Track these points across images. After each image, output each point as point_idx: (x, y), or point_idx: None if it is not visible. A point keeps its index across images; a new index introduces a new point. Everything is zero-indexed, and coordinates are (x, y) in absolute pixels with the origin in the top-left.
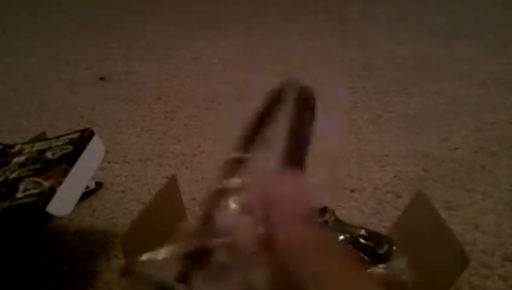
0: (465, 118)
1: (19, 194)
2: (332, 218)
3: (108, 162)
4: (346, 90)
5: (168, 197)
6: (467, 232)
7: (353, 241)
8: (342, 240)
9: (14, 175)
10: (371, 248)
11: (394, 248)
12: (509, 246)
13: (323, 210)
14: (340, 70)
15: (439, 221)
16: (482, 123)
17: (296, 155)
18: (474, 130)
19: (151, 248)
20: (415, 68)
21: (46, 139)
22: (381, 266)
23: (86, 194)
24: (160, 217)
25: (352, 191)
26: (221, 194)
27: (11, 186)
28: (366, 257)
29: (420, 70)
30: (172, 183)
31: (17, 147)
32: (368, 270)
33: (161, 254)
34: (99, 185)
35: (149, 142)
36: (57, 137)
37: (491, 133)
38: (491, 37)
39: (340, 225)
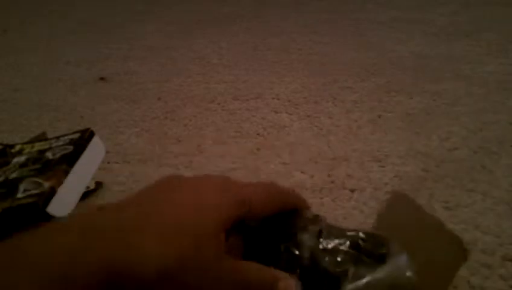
0: (465, 118)
1: (19, 195)
2: (324, 225)
3: (108, 162)
4: (346, 90)
5: None
6: (467, 232)
7: (354, 246)
8: (342, 245)
9: (14, 175)
10: (373, 249)
11: (391, 245)
12: (509, 246)
13: (315, 218)
14: (339, 70)
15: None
16: (482, 123)
17: None
18: (474, 130)
19: None
20: (415, 68)
21: (46, 139)
22: (384, 267)
23: (86, 194)
24: None
25: (352, 191)
26: None
27: (11, 186)
28: (368, 260)
29: (420, 70)
30: None
31: (17, 147)
32: (376, 275)
33: None
34: (99, 185)
35: (149, 142)
36: (57, 137)
37: (491, 133)
38: (491, 37)
39: (335, 231)
